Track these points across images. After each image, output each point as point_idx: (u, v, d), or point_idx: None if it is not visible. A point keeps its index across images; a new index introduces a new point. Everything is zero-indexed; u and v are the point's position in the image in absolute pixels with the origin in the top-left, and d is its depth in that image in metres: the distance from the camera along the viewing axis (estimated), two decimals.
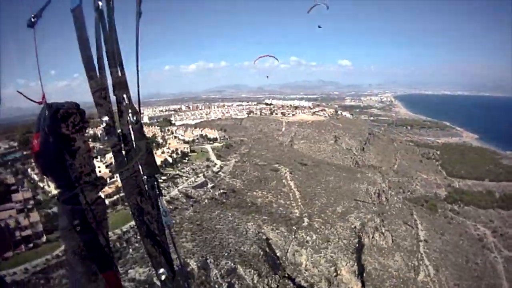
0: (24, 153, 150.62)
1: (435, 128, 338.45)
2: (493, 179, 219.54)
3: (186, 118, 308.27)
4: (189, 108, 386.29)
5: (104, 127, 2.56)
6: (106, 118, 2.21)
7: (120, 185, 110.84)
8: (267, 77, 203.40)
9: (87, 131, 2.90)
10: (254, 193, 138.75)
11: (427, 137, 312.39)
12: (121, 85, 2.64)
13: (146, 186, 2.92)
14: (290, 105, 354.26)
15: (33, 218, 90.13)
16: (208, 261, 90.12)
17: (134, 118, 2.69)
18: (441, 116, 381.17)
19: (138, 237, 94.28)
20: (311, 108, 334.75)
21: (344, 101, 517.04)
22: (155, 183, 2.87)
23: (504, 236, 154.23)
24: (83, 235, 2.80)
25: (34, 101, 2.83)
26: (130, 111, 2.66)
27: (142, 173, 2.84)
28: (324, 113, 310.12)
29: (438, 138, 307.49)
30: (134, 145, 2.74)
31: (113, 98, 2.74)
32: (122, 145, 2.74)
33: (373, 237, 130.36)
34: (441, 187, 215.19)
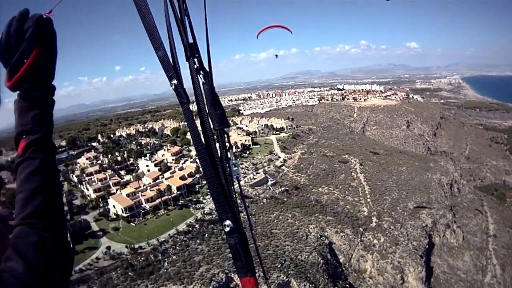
0: (71, 153, 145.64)
1: (502, 111, 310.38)
2: None
3: (256, 106, 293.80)
4: (260, 96, 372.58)
5: (173, 89, 2.63)
6: (174, 81, 2.33)
7: (162, 188, 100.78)
8: (276, 56, 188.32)
9: None
10: (320, 189, 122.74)
11: (494, 120, 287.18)
12: (191, 48, 2.72)
13: (216, 139, 2.84)
14: (362, 89, 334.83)
15: None
16: (257, 274, 76.25)
17: (205, 79, 2.76)
18: (506, 98, 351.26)
19: (177, 247, 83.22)
20: (382, 92, 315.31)
21: (415, 84, 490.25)
22: (225, 136, 2.79)
23: None
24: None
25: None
26: (201, 72, 2.72)
27: (212, 127, 2.79)
28: (395, 97, 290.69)
29: (505, 121, 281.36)
30: (205, 102, 2.76)
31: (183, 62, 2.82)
32: (194, 103, 2.77)
33: (444, 235, 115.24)
34: (509, 173, 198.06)
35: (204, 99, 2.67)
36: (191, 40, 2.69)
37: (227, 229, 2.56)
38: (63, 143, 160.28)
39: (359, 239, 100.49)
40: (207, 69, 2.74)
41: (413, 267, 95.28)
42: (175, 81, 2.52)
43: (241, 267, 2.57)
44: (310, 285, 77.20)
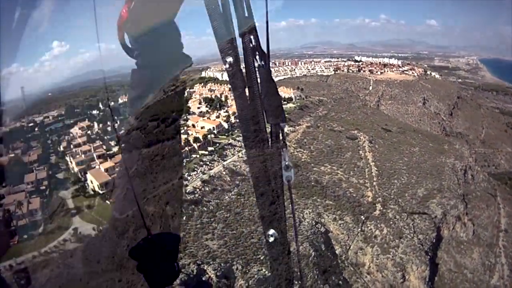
0: (66, 122, 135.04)
1: None
2: None
3: None
4: (275, 64, 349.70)
5: (227, 68, 2.28)
6: (230, 59, 2.25)
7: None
8: None
9: None
10: (322, 168, 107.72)
11: (511, 105, 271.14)
12: (248, 27, 2.33)
13: (268, 135, 2.57)
14: (379, 62, 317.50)
15: (34, 205, 70.64)
16: (234, 267, 64.00)
17: (262, 61, 2.35)
18: None
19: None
20: (400, 67, 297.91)
21: (433, 61, 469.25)
22: (280, 132, 2.46)
23: None
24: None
25: None
26: (257, 53, 2.29)
27: (265, 119, 2.50)
28: (413, 72, 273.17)
29: None
30: (260, 89, 2.32)
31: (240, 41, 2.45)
32: (246, 87, 2.43)
33: (453, 228, 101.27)
34: None
35: (259, 86, 2.33)
36: (247, 14, 2.27)
37: (271, 239, 2.39)
38: (63, 111, 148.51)
39: (360, 229, 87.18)
40: (265, 50, 2.33)
41: (416, 265, 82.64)
42: (230, 59, 2.25)
43: None
44: (296, 282, 64.38)
